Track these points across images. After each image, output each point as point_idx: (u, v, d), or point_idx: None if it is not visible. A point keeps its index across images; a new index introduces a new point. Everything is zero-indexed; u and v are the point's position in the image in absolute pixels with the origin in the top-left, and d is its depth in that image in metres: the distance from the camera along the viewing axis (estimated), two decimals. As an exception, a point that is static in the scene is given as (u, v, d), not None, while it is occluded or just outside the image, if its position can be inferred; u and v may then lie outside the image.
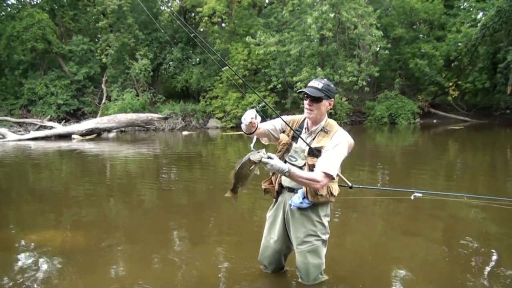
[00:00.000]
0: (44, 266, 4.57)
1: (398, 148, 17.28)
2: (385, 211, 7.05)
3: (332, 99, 3.57)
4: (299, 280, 3.77)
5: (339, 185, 3.75)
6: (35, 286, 4.06)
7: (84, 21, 34.29)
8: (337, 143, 3.44)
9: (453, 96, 30.22)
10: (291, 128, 3.70)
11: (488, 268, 4.53)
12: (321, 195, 3.51)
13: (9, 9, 33.77)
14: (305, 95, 3.53)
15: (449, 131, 23.73)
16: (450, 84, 30.12)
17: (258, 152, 3.21)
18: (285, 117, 3.85)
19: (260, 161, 3.20)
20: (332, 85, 3.57)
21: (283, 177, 3.72)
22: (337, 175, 3.64)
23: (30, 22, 29.08)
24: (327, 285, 3.87)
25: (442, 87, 30.77)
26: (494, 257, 4.82)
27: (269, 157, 3.24)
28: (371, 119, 28.45)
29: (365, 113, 29.30)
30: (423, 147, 17.29)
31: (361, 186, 4.08)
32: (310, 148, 3.52)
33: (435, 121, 29.39)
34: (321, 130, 3.57)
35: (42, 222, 6.56)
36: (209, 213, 7.04)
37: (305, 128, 3.69)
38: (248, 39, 27.76)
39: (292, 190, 3.67)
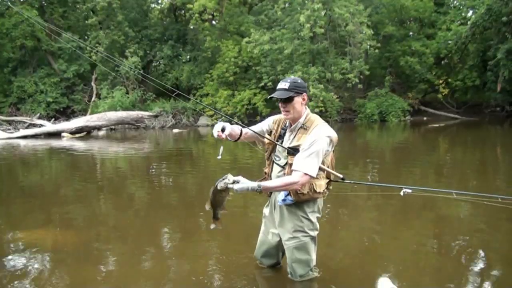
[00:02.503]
0: (34, 266, 4.52)
1: (388, 145, 17.32)
2: (376, 207, 7.06)
3: (304, 93, 3.53)
4: (289, 276, 3.78)
5: (332, 180, 3.74)
6: (24, 286, 4.01)
7: (73, 18, 34.03)
8: (314, 140, 3.41)
9: (443, 94, 30.42)
10: (268, 140, 3.76)
11: (476, 264, 4.54)
12: (303, 193, 3.50)
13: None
14: (277, 99, 3.53)
15: (439, 129, 23.84)
16: (440, 81, 30.27)
17: (223, 179, 3.30)
18: (272, 117, 3.89)
19: (224, 190, 3.32)
20: (300, 80, 3.55)
21: (273, 175, 3.73)
22: (324, 170, 3.61)
23: (19, 19, 28.80)
24: (318, 282, 3.86)
25: (432, 84, 30.94)
26: (482, 254, 4.82)
27: (235, 181, 3.31)
28: (361, 117, 28.50)
29: (356, 111, 29.35)
30: (413, 145, 17.35)
31: (352, 181, 4.06)
32: (288, 148, 3.53)
33: (425, 118, 29.49)
34: (301, 127, 3.56)
35: (32, 221, 6.50)
36: (200, 210, 7.00)
37: (288, 127, 3.69)
38: (243, 42, 27.77)
39: None
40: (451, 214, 6.56)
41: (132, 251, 4.88)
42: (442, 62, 32.21)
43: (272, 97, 3.52)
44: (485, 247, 5.02)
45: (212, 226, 3.56)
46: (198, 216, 6.58)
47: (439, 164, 11.93)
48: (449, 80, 30.35)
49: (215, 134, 3.57)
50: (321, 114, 26.74)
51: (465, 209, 6.68)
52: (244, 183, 3.33)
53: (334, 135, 3.51)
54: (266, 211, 3.98)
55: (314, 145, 3.39)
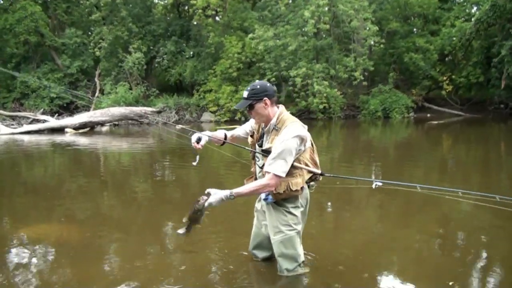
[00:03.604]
0: (38, 261, 4.54)
1: (391, 142, 17.31)
2: (378, 204, 7.05)
3: (265, 98, 3.60)
4: (278, 272, 3.81)
5: (319, 174, 3.76)
6: (29, 280, 4.03)
7: (77, 14, 34.03)
8: (282, 140, 3.49)
9: (447, 91, 30.25)
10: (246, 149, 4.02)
11: (478, 263, 4.54)
12: (279, 193, 3.58)
13: (1, 2, 33.43)
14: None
15: (442, 125, 23.79)
16: (444, 78, 30.13)
17: (199, 202, 3.48)
18: (252, 120, 4.00)
19: (201, 208, 3.49)
20: (259, 86, 3.64)
21: (257, 174, 3.87)
22: (301, 168, 3.65)
23: (22, 14, 28.80)
24: (319, 278, 3.87)
25: (436, 81, 30.80)
26: (484, 252, 4.81)
27: (208, 193, 3.51)
28: (365, 113, 28.43)
29: (359, 107, 29.27)
30: (416, 142, 17.34)
31: (332, 175, 4.10)
32: (262, 150, 3.70)
33: (429, 115, 29.38)
34: (274, 129, 3.65)
35: (35, 216, 6.51)
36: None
37: (264, 129, 3.80)
38: (248, 38, 27.75)
39: None
40: (453, 212, 6.55)
41: (135, 246, 4.89)
42: (446, 59, 32.09)
43: (238, 107, 3.75)
44: (487, 245, 5.01)
45: (181, 231, 3.65)
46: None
47: (442, 162, 11.92)
48: (453, 76, 30.20)
49: (192, 144, 3.84)
50: (325, 111, 26.79)
51: (468, 207, 6.67)
52: (217, 193, 3.49)
53: (303, 133, 3.57)
54: (258, 205, 4.10)
55: (281, 146, 3.47)
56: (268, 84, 3.69)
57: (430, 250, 4.92)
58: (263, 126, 3.80)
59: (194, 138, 3.87)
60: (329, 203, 7.04)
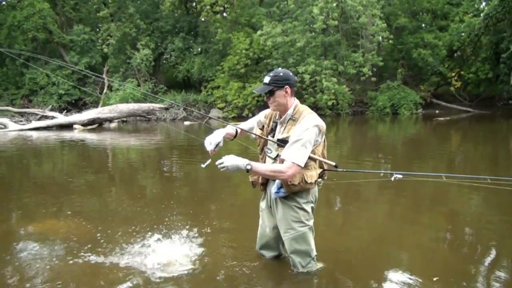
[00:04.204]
0: (46, 255, 4.56)
1: (399, 138, 17.25)
2: (388, 198, 7.03)
3: (286, 87, 3.55)
4: (292, 267, 3.80)
5: (325, 169, 3.73)
6: (37, 275, 4.04)
7: (85, 11, 34.11)
8: (302, 130, 3.43)
9: (456, 87, 30.08)
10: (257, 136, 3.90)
11: (487, 258, 4.52)
12: (294, 184, 3.52)
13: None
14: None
15: (451, 122, 23.69)
16: (453, 74, 29.97)
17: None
18: (264, 112, 3.97)
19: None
20: (281, 74, 3.58)
21: (261, 178, 3.80)
22: (314, 160, 3.61)
23: (30, 11, 28.93)
24: (326, 273, 3.86)
25: (445, 77, 30.64)
26: (493, 248, 4.79)
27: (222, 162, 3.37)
28: (373, 110, 28.35)
29: (367, 104, 29.19)
30: (424, 138, 17.27)
31: (345, 170, 4.07)
32: (278, 140, 3.59)
33: (437, 111, 29.23)
34: (290, 119, 3.60)
35: (44, 212, 6.55)
36: (211, 202, 7.04)
37: (278, 119, 3.74)
38: (256, 35, 27.73)
39: (274, 180, 3.67)
40: (462, 206, 6.53)
41: (143, 241, 4.89)
42: (455, 55, 31.89)
43: (258, 92, 3.62)
44: (497, 240, 4.98)
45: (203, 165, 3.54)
46: (209, 208, 6.61)
47: (450, 158, 11.87)
48: (462, 72, 30.04)
49: (208, 149, 3.67)
50: (333, 107, 26.73)
51: (477, 201, 6.65)
52: (234, 159, 3.36)
53: (322, 124, 3.53)
54: (262, 204, 4.03)
55: (302, 135, 3.42)
56: (291, 73, 3.65)
57: (439, 246, 4.90)
58: (276, 117, 3.76)
59: (209, 141, 3.70)
60: (338, 199, 7.04)
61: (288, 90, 3.56)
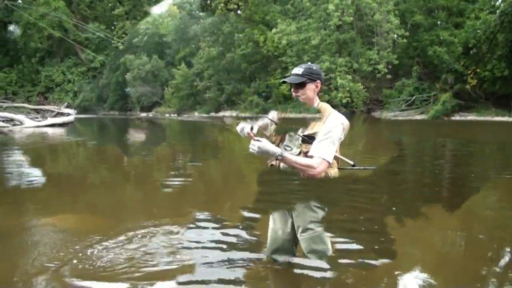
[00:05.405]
0: (61, 249, 4.58)
1: (414, 137, 17.18)
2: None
3: (318, 81, 3.43)
4: None
5: (340, 168, 3.71)
6: (52, 268, 4.07)
7: (100, 9, 34.34)
8: (331, 127, 3.37)
9: (472, 85, 29.84)
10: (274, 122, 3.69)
11: (504, 262, 4.48)
12: None
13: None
14: (290, 84, 3.49)
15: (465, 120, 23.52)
16: (469, 72, 29.72)
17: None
18: (275, 111, 3.86)
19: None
20: (315, 67, 3.48)
21: (281, 165, 3.71)
22: (336, 158, 3.59)
23: (46, 9, 29.18)
24: (334, 279, 3.85)
25: (461, 75, 30.38)
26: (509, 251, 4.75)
27: (257, 140, 3.24)
28: (388, 107, 28.19)
29: (382, 101, 29.03)
30: (444, 137, 17.19)
31: (362, 167, 4.02)
32: (304, 136, 3.47)
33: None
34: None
35: (59, 206, 6.56)
36: (226, 200, 7.03)
37: None
38: (271, 33, 27.75)
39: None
40: (478, 208, 6.46)
41: (157, 237, 4.90)
42: (471, 52, 31.57)
43: (285, 81, 3.40)
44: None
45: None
46: (224, 206, 6.60)
47: (463, 156, 11.79)
48: (478, 70, 29.77)
49: (245, 133, 3.48)
50: (347, 105, 26.62)
51: (491, 203, 6.60)
52: (268, 144, 3.25)
53: (347, 122, 3.49)
54: None
55: (331, 133, 3.36)
56: (321, 70, 3.66)
57: (452, 247, 4.86)
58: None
59: (242, 127, 3.55)
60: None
61: (319, 84, 3.52)
